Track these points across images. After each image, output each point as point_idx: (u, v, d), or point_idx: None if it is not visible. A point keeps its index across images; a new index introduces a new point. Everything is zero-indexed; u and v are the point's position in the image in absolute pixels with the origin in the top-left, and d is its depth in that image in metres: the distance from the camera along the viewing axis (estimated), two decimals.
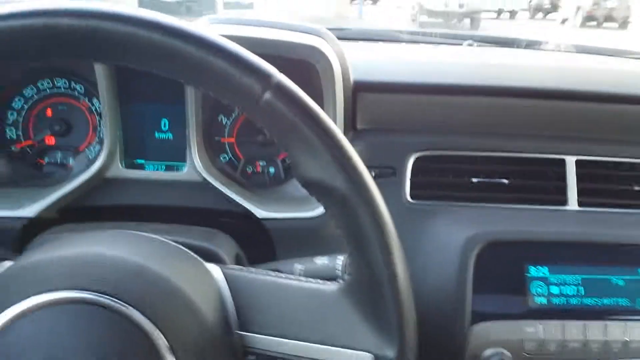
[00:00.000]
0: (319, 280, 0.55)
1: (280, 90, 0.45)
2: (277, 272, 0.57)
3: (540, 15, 18.59)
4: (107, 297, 0.46)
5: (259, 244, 0.80)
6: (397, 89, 0.86)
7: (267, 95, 0.44)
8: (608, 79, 1.00)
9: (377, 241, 0.47)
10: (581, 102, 0.88)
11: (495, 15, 16.71)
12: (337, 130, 0.47)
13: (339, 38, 1.18)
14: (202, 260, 0.57)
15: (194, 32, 0.44)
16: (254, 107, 0.45)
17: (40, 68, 0.86)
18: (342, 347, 0.50)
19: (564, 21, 15.57)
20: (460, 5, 12.68)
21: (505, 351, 0.76)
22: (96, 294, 0.46)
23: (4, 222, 0.76)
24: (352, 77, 0.83)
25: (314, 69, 0.78)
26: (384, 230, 0.47)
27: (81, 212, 0.80)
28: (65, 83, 0.87)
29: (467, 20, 13.03)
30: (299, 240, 0.80)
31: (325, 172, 0.46)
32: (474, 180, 0.86)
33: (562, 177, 0.86)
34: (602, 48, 1.37)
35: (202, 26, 0.45)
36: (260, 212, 0.80)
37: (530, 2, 18.23)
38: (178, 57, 0.44)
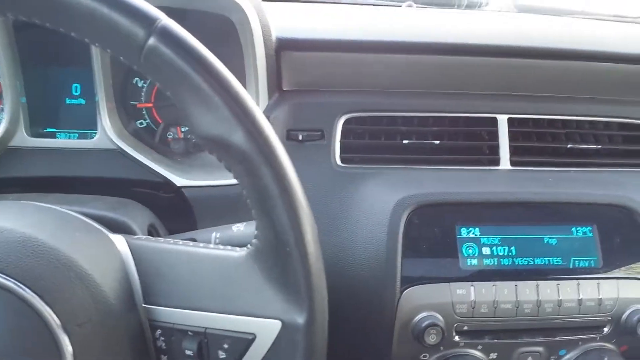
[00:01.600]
0: (228, 247, 0.52)
1: (166, 35, 0.41)
2: (186, 241, 0.54)
3: None
4: None
5: (179, 213, 0.76)
6: (322, 47, 0.81)
7: (152, 40, 0.40)
8: (544, 36, 0.98)
9: (282, 202, 0.44)
10: (512, 58, 0.86)
11: None
12: (234, 79, 0.43)
13: None
14: (105, 231, 0.54)
15: None
16: (137, 56, 0.41)
17: None
18: (249, 315, 0.48)
19: None
20: None
21: (437, 314, 0.74)
22: None
23: None
24: (276, 34, 0.79)
25: (231, 25, 0.73)
26: (288, 189, 0.44)
27: None
28: None
29: None
30: (220, 209, 0.76)
31: (223, 127, 0.43)
32: (405, 141, 0.83)
33: (495, 137, 0.84)
34: (543, 7, 1.35)
35: None
36: (178, 180, 0.76)
37: None
38: (57, 4, 0.39)
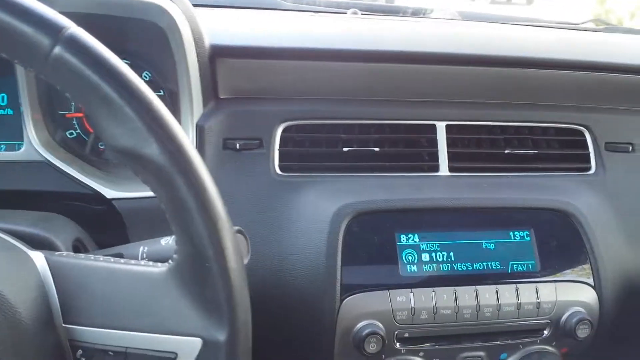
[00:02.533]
0: (149, 263, 0.50)
1: (73, 44, 0.39)
2: (108, 257, 0.52)
3: None
4: None
5: (112, 226, 0.74)
6: (259, 54, 0.80)
7: (57, 49, 0.39)
8: (484, 43, 0.99)
9: (199, 215, 0.43)
10: (451, 66, 0.86)
11: None
12: (146, 88, 0.42)
13: (218, 6, 1.12)
14: (23, 248, 0.51)
15: None
16: (43, 65, 0.39)
17: None
18: (169, 333, 0.47)
19: None
20: None
21: (377, 322, 0.74)
22: None
23: None
24: (210, 41, 0.77)
25: (162, 32, 0.71)
26: (206, 202, 0.43)
27: None
28: None
29: None
30: (153, 221, 0.73)
31: (135, 139, 0.41)
32: (345, 149, 0.83)
33: (434, 143, 0.85)
34: (488, 15, 1.37)
35: None
36: (109, 192, 0.73)
37: None
38: None
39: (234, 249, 0.45)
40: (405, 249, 0.77)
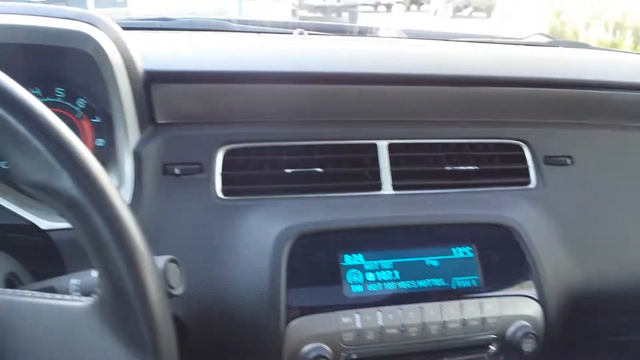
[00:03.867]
0: (74, 296, 0.50)
1: None
2: (34, 292, 0.51)
3: (414, 7, 19.44)
4: None
5: (49, 257, 0.72)
6: (194, 79, 0.80)
7: None
8: (427, 62, 1.01)
9: (116, 249, 0.43)
10: (392, 85, 0.88)
11: (372, 8, 17.20)
12: (55, 120, 0.41)
13: (165, 28, 1.11)
14: None
15: None
16: None
17: None
18: None
19: (436, 12, 16.38)
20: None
21: (324, 345, 0.73)
22: None
23: None
24: (144, 66, 0.76)
25: (93, 60, 0.70)
26: (122, 235, 0.43)
27: None
28: None
29: (345, 14, 13.28)
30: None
31: (46, 173, 0.40)
32: (288, 171, 0.83)
33: (376, 162, 0.85)
34: (432, 32, 1.40)
35: None
36: (44, 223, 0.71)
37: None
38: None
39: (154, 281, 0.45)
40: (350, 269, 0.77)
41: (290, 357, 0.73)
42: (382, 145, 0.86)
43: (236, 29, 1.18)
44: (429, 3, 17.99)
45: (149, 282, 0.44)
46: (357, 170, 0.86)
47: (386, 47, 1.14)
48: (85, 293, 0.56)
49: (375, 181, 0.85)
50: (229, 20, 1.24)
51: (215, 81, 0.81)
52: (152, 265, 0.45)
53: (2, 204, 0.71)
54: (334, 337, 0.74)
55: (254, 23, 1.26)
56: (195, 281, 0.73)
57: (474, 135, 0.91)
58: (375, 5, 17.52)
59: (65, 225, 0.72)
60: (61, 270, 0.72)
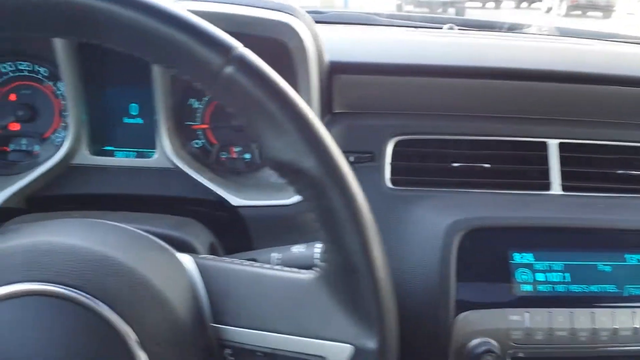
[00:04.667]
0: (295, 269, 0.52)
1: (243, 64, 0.42)
2: (252, 262, 0.55)
3: (525, 4, 18.64)
4: (69, 288, 0.43)
5: (234, 232, 0.77)
6: (374, 70, 0.82)
7: (228, 69, 0.41)
8: (591, 60, 0.98)
9: (352, 226, 0.44)
10: (564, 83, 0.86)
11: (480, 4, 16.70)
12: (306, 106, 0.44)
13: (316, 21, 1.16)
14: (173, 250, 0.54)
15: (152, 3, 0.41)
16: (213, 82, 0.42)
17: (1, 51, 0.81)
18: (319, 338, 0.48)
19: (548, 10, 15.62)
20: None
21: (492, 341, 0.73)
22: (56, 285, 0.43)
23: None
24: (328, 58, 0.80)
25: (286, 49, 0.74)
26: (358, 214, 0.45)
27: (49, 201, 0.76)
28: (28, 66, 0.82)
29: (452, 10, 13.00)
30: (276, 229, 0.77)
31: (295, 153, 0.43)
32: (455, 164, 0.83)
33: (545, 161, 0.84)
34: (584, 31, 1.35)
35: (166, 1, 0.42)
36: (235, 200, 0.77)
37: None
38: (136, 29, 0.41)
39: (383, 260, 0.46)
40: (519, 268, 0.76)
41: (457, 350, 0.74)
42: (553, 144, 0.84)
43: (385, 23, 1.20)
44: (540, 0, 17.17)
45: (379, 261, 0.45)
46: (525, 168, 0.85)
47: (544, 44, 1.12)
48: (287, 266, 0.60)
49: (544, 180, 0.84)
50: (377, 15, 1.27)
51: (390, 73, 0.83)
52: (382, 245, 0.47)
53: (198, 180, 0.77)
54: (502, 333, 0.74)
55: (402, 17, 1.28)
56: None
57: None
58: (484, 2, 16.99)
59: (253, 202, 0.77)
60: (247, 244, 0.77)
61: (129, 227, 0.54)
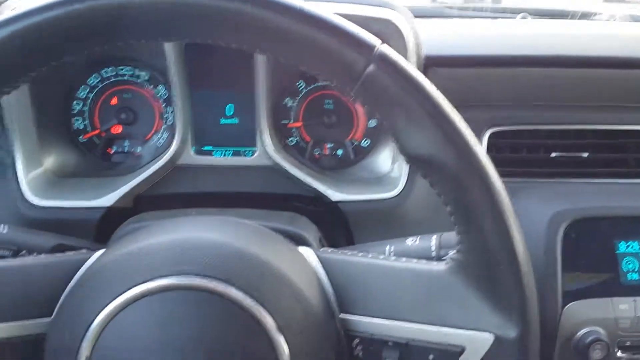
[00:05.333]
0: (423, 260, 0.52)
1: (384, 62, 0.42)
2: (374, 254, 0.55)
3: None
4: (216, 281, 0.45)
5: (333, 228, 0.78)
6: (468, 63, 0.82)
7: (371, 68, 0.42)
8: None
9: (493, 216, 0.44)
10: None
11: None
12: (446, 101, 0.44)
13: None
14: (292, 244, 0.55)
15: (290, 4, 0.41)
16: (355, 82, 0.43)
17: (104, 56, 0.84)
18: (458, 327, 0.48)
19: None
20: None
21: (600, 330, 0.73)
22: (205, 278, 0.45)
23: (82, 213, 0.75)
24: (424, 52, 0.80)
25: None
26: (501, 204, 0.45)
27: (153, 200, 0.78)
28: (129, 70, 0.85)
29: None
30: (375, 222, 0.77)
31: (435, 147, 0.44)
32: (553, 155, 0.83)
33: None
34: None
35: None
36: (335, 195, 0.78)
37: None
38: (277, 32, 0.42)
39: (525, 248, 0.46)
40: (625, 257, 0.75)
41: (565, 340, 0.73)
42: None
43: (456, 15, 1.19)
44: None
45: (521, 250, 0.45)
46: (623, 157, 0.84)
47: (621, 30, 1.09)
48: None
49: None
50: (449, 7, 1.26)
51: (483, 65, 0.83)
52: (522, 233, 0.46)
53: (298, 176, 0.79)
54: (610, 322, 0.73)
55: (474, 9, 1.27)
56: None
57: None
58: None
59: (354, 197, 0.78)
60: (347, 239, 0.78)
61: (252, 223, 0.55)
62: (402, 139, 0.45)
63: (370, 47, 0.42)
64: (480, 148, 0.45)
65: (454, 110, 0.45)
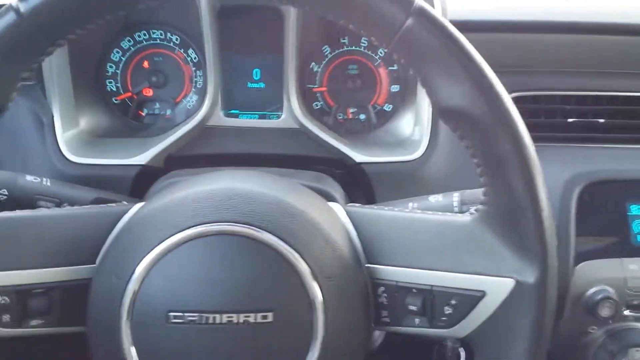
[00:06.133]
0: (448, 213, 0.54)
1: (423, 17, 0.44)
2: (400, 208, 0.57)
3: None
4: (255, 228, 0.48)
5: (356, 189, 0.81)
6: (489, 28, 0.84)
7: (410, 22, 0.44)
8: None
9: (519, 166, 0.46)
10: None
11: None
12: (479, 56, 0.46)
13: None
14: (322, 199, 0.58)
15: None
16: (393, 36, 0.45)
17: (136, 20, 0.87)
18: (480, 274, 0.50)
19: None
20: None
21: (609, 288, 0.76)
22: (244, 225, 0.48)
23: (119, 170, 0.78)
24: (449, 17, 0.82)
25: None
26: (526, 155, 0.47)
27: (183, 160, 0.82)
28: (161, 34, 0.88)
29: None
30: (396, 184, 0.80)
31: (467, 100, 0.46)
32: (570, 120, 0.85)
33: None
34: None
35: None
36: (358, 157, 0.80)
37: None
38: None
39: (547, 198, 0.48)
40: (636, 219, 0.78)
41: (575, 298, 0.76)
42: None
43: None
44: None
45: (543, 199, 0.47)
46: (637, 123, 0.86)
47: None
48: None
49: None
50: None
51: (507, 31, 0.85)
52: (545, 183, 0.48)
53: (324, 138, 0.82)
54: (619, 282, 0.76)
55: None
56: None
57: None
58: None
59: (377, 159, 0.81)
60: (369, 200, 0.81)
61: (287, 179, 0.58)
62: (437, 92, 0.47)
63: (408, 2, 0.44)
64: (511, 102, 0.47)
65: (486, 64, 0.47)
